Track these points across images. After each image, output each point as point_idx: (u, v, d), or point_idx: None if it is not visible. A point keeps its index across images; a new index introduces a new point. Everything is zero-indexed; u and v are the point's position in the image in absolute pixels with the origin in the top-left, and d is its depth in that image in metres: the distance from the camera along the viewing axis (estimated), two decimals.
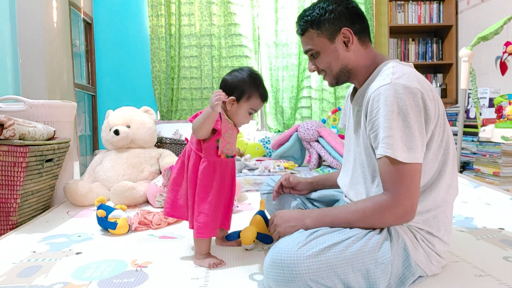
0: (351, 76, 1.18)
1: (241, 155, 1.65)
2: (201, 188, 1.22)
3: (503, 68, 2.62)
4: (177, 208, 1.30)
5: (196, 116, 1.21)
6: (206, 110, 1.17)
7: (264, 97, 1.28)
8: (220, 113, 1.20)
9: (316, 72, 1.22)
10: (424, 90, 1.01)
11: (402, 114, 0.99)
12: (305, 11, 1.18)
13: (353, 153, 1.22)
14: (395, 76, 1.02)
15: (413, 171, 1.00)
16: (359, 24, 1.14)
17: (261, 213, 1.43)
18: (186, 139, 1.33)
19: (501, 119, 2.51)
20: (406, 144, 0.99)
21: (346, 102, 1.34)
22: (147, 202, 2.22)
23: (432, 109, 1.02)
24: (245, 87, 1.23)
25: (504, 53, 2.58)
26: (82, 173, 2.88)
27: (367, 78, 1.15)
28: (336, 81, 1.20)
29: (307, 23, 1.15)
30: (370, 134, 1.06)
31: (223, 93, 1.16)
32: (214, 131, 1.21)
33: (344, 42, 1.13)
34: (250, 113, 1.27)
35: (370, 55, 1.16)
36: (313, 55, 1.18)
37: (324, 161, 3.09)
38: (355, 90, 1.23)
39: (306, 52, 1.20)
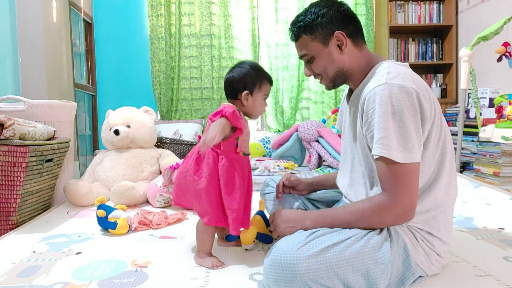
0: (347, 79, 1.18)
1: None
2: (225, 185, 1.21)
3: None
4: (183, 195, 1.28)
5: (215, 114, 1.20)
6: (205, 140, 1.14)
7: (271, 80, 1.33)
8: (239, 110, 1.24)
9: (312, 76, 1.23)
10: (419, 90, 1.01)
11: (397, 114, 0.98)
12: (297, 16, 1.18)
13: (350, 154, 1.22)
14: (390, 76, 1.02)
15: (411, 170, 1.00)
16: (352, 26, 1.14)
17: (260, 213, 1.43)
18: (200, 137, 1.33)
19: (501, 119, 2.51)
20: (402, 144, 0.99)
21: (342, 103, 1.34)
22: (147, 202, 2.22)
23: (428, 109, 1.02)
24: (253, 78, 1.27)
25: (503, 54, 2.58)
26: (82, 173, 2.88)
27: (362, 79, 1.15)
28: (332, 85, 1.20)
29: (300, 29, 1.15)
30: (367, 135, 1.06)
31: (216, 139, 1.12)
32: (235, 128, 1.22)
33: (338, 45, 1.14)
34: (265, 99, 1.32)
35: (365, 56, 1.16)
36: (308, 60, 1.18)
37: (324, 161, 3.08)
38: (351, 91, 1.23)
39: (301, 57, 1.20)
